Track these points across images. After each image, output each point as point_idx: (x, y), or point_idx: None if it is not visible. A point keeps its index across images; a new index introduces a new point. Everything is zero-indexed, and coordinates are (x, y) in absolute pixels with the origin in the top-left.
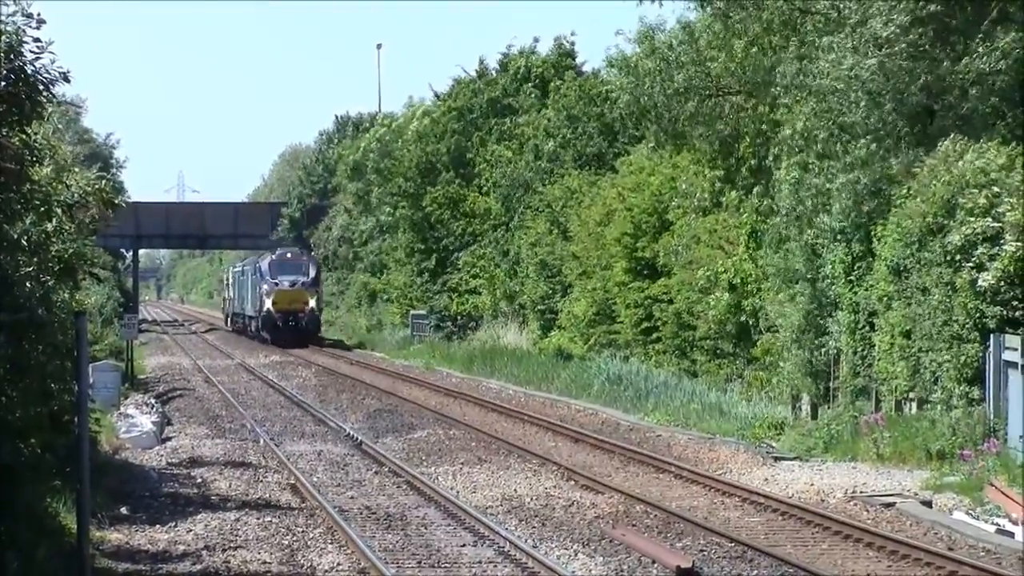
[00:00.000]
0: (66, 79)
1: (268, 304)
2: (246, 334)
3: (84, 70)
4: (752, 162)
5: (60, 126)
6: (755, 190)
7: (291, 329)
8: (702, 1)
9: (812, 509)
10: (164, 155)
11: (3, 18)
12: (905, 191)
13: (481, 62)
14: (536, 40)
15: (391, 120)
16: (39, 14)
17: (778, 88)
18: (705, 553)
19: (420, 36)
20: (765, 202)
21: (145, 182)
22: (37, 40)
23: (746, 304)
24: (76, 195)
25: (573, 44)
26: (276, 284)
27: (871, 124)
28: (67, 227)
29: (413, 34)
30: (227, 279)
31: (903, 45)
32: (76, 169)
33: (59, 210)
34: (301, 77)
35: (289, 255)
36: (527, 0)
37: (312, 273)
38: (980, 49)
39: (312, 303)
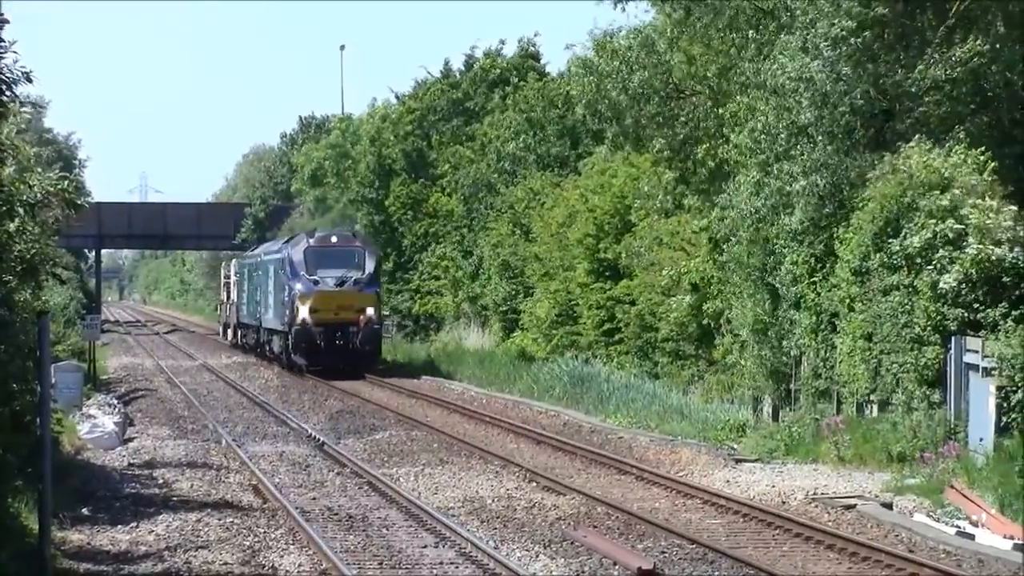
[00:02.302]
0: (28, 79)
1: (304, 313)
2: (261, 354)
3: (45, 69)
4: (710, 164)
5: (24, 127)
6: (715, 194)
7: (339, 351)
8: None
9: (773, 511)
10: (127, 155)
11: None
12: (864, 193)
13: (446, 63)
14: (502, 42)
15: (347, 123)
16: (2, 15)
17: (736, 87)
18: (666, 555)
19: (385, 37)
20: (724, 204)
21: (108, 182)
22: (0, 40)
23: (707, 307)
24: (39, 195)
25: (536, 46)
26: (316, 283)
27: (824, 126)
28: (30, 227)
29: (378, 35)
30: (229, 275)
31: (850, 48)
32: (39, 169)
33: (21, 210)
34: (265, 78)
35: (335, 239)
36: (495, 1)
37: (369, 266)
38: (936, 55)
39: (371, 311)
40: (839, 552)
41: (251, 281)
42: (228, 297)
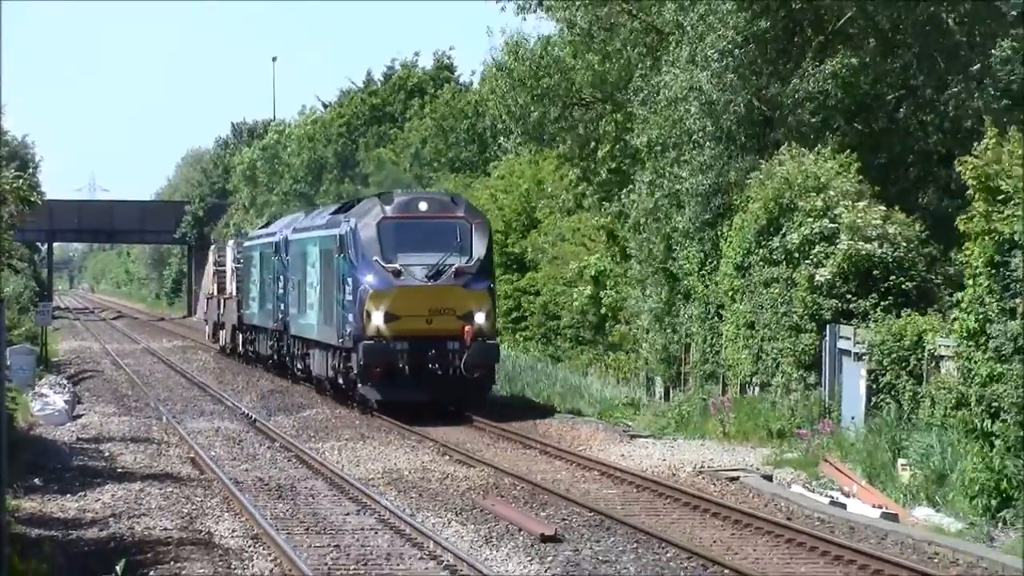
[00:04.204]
0: None
1: (377, 320)
2: (283, 371)
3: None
4: (610, 164)
5: None
6: (614, 195)
7: (432, 379)
8: (568, 24)
9: (664, 482)
10: (76, 156)
11: None
12: (745, 195)
13: (368, 74)
14: (416, 54)
15: (282, 126)
16: None
17: (632, 99)
18: (567, 522)
19: (313, 49)
20: (622, 204)
21: (59, 181)
22: None
23: (604, 297)
24: None
25: (451, 58)
26: (397, 275)
27: (710, 131)
28: None
29: (307, 47)
30: (224, 261)
31: (735, 60)
32: None
33: None
34: (201, 85)
35: (424, 205)
36: (423, 4)
37: (479, 248)
38: (810, 69)
39: (481, 317)
40: (724, 520)
41: (267, 268)
42: (222, 289)
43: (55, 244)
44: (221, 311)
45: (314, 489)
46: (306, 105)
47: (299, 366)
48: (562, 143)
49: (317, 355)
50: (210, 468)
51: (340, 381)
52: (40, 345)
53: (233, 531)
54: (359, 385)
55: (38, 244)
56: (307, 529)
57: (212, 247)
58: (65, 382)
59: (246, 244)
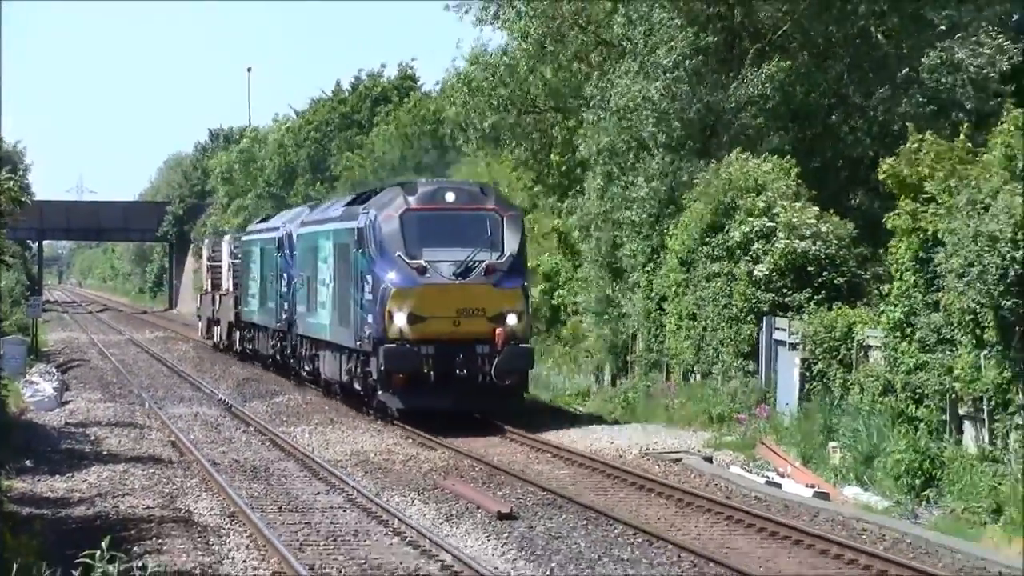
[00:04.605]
0: None
1: (400, 322)
2: (284, 370)
3: None
4: (562, 168)
5: None
6: (566, 199)
7: (460, 385)
8: (522, 35)
9: (612, 464)
10: (66, 159)
11: None
12: (693, 195)
13: (337, 84)
14: (383, 65)
15: (255, 132)
16: None
17: (584, 107)
18: (522, 500)
19: (286, 61)
20: (573, 204)
21: (49, 183)
22: None
23: (557, 293)
24: None
25: (413, 68)
26: (422, 272)
27: (661, 139)
28: None
29: (280, 59)
30: (219, 256)
31: (684, 72)
32: None
33: None
34: (182, 94)
35: (451, 196)
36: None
37: (511, 243)
38: (749, 74)
39: (514, 319)
40: (667, 499)
41: (268, 265)
42: (217, 285)
43: (45, 242)
44: (216, 307)
45: (286, 470)
46: (279, 113)
47: (307, 368)
48: (517, 148)
49: (329, 357)
50: (189, 451)
51: (356, 386)
52: (31, 336)
53: (211, 509)
54: (379, 392)
55: (29, 242)
56: (280, 508)
57: (206, 242)
58: (54, 370)
59: (244, 239)
